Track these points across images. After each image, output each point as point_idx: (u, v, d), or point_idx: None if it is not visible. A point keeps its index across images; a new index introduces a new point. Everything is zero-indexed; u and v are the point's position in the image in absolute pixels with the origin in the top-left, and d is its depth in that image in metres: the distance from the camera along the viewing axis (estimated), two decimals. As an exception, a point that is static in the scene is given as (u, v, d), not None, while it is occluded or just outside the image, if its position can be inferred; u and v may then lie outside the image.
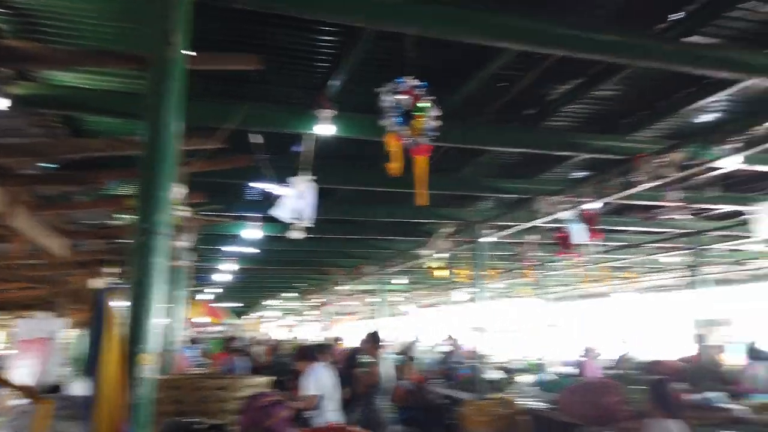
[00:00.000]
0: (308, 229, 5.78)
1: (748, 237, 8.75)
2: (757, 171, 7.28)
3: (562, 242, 8.23)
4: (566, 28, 4.37)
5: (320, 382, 5.36)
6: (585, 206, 7.86)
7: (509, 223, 9.94)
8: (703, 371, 9.57)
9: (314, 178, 5.29)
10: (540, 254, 12.45)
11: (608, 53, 4.57)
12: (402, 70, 3.92)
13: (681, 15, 4.58)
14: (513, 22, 4.25)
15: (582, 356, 11.08)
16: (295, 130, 5.59)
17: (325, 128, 5.26)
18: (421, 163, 3.95)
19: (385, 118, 3.97)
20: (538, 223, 9.07)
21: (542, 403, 7.53)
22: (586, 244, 8.29)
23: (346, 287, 20.09)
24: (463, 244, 11.15)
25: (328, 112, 5.10)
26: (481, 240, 10.41)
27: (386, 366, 7.22)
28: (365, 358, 6.98)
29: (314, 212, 5.26)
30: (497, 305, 20.34)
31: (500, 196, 9.34)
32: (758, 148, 6.45)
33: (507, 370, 11.44)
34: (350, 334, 21.22)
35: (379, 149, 4.28)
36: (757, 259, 14.27)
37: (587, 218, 7.83)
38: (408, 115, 3.90)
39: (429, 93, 3.87)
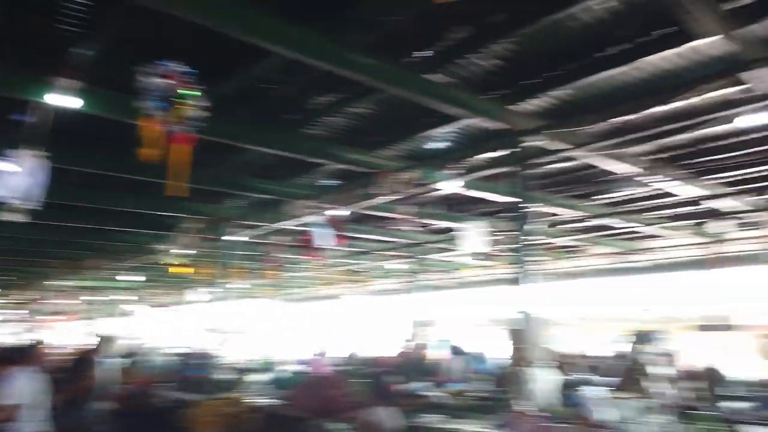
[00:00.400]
0: (30, 213, 5.01)
1: (456, 250, 10.36)
2: (470, 195, 8.74)
3: (308, 245, 8.64)
4: (332, 45, 4.70)
5: (21, 389, 4.69)
6: (332, 212, 8.41)
7: (258, 223, 10.03)
8: (413, 365, 10.92)
9: (47, 154, 4.62)
10: (286, 256, 12.80)
11: (364, 75, 5.06)
12: (168, 53, 3.72)
13: (427, 53, 5.27)
14: (282, 28, 4.41)
15: (315, 354, 11.70)
16: (28, 97, 4.81)
17: (66, 100, 4.65)
18: (181, 152, 3.80)
19: (142, 99, 3.72)
20: (287, 225, 9.35)
21: (274, 400, 7.73)
22: (330, 248, 8.85)
23: (68, 283, 17.70)
24: (208, 241, 10.86)
25: (71, 83, 4.53)
26: (228, 238, 10.29)
27: (108, 369, 6.67)
28: (85, 361, 6.34)
29: (42, 193, 4.59)
30: (239, 305, 20.15)
31: (252, 195, 9.37)
32: (473, 176, 7.80)
33: (242, 370, 11.43)
34: (67, 335, 18.69)
35: (131, 132, 3.98)
36: (459, 269, 16.95)
37: (334, 224, 8.39)
38: (169, 100, 3.72)
39: (196, 82, 3.76)
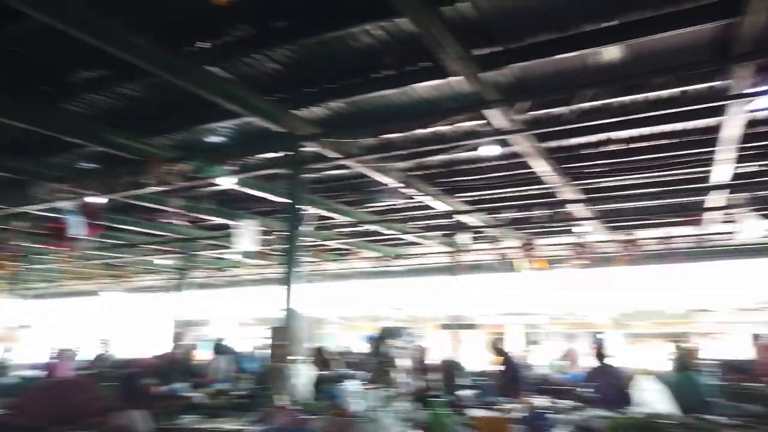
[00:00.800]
0: None
1: (230, 248, 10.21)
2: (245, 192, 8.69)
3: (56, 234, 7.70)
4: (98, 17, 4.33)
5: None
6: (89, 199, 7.62)
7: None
8: (175, 366, 10.47)
9: None
10: (25, 244, 11.17)
11: (135, 56, 4.74)
12: None
13: (208, 45, 5.15)
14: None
15: (55, 356, 10.45)
16: None
17: None
18: None
19: None
20: (30, 209, 8.21)
21: (-2, 410, 6.73)
22: (83, 239, 8.01)
23: None
24: None
25: None
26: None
27: None
28: None
29: None
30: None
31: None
32: (250, 174, 7.80)
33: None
34: None
35: None
36: (237, 267, 16.68)
37: (89, 212, 7.60)
38: None
39: None
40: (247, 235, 8.59)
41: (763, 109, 5.82)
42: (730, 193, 8.71)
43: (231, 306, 18.11)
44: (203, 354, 11.51)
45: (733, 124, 5.92)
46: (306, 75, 5.77)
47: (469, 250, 13.32)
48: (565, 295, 15.64)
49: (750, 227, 8.38)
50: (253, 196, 8.92)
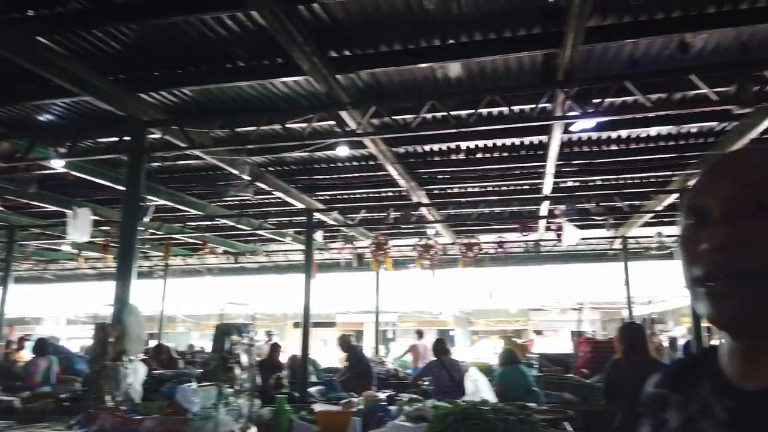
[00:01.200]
0: None
1: (65, 238, 9.26)
2: (84, 178, 7.94)
3: None
4: None
5: None
6: None
7: None
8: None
9: None
10: None
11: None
12: None
13: (31, 13, 4.66)
14: None
15: None
16: None
17: None
18: None
19: None
20: None
21: None
22: None
23: None
24: None
25: None
26: None
27: None
28: None
29: None
30: None
31: None
32: (87, 158, 7.15)
33: None
34: None
35: None
36: (72, 260, 15.16)
37: None
38: None
39: None
40: (79, 224, 7.87)
41: (578, 132, 6.61)
42: (551, 204, 9.75)
43: (63, 302, 16.45)
44: (19, 354, 10.41)
45: (555, 142, 6.65)
46: (153, 58, 5.47)
47: (325, 249, 13.44)
48: (415, 294, 16.41)
49: (569, 236, 9.45)
50: (93, 182, 8.22)
